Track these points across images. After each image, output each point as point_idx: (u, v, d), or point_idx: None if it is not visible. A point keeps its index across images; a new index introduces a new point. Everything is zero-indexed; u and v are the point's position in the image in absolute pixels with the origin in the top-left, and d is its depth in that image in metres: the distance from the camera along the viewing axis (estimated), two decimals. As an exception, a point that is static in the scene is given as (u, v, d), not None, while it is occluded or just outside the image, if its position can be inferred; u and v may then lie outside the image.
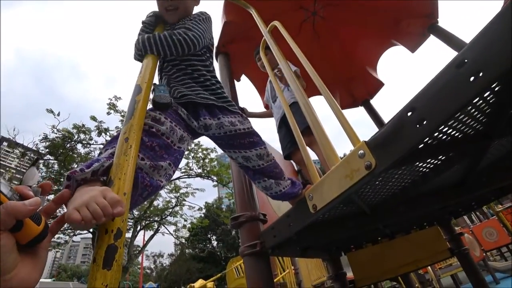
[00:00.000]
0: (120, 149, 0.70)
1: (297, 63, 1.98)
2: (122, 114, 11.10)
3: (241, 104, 2.15)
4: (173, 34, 1.08)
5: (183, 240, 17.73)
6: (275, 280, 6.05)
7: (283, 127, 2.32)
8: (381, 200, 1.07)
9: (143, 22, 1.24)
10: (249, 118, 2.48)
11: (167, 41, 1.06)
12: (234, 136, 1.07)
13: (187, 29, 1.11)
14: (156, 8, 1.29)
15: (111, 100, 11.22)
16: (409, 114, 0.55)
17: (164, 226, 15.20)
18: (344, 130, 0.77)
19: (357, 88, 3.27)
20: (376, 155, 0.61)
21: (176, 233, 15.54)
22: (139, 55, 1.08)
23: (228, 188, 13.73)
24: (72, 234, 12.19)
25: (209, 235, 34.40)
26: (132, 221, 13.73)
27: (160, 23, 1.27)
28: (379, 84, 3.24)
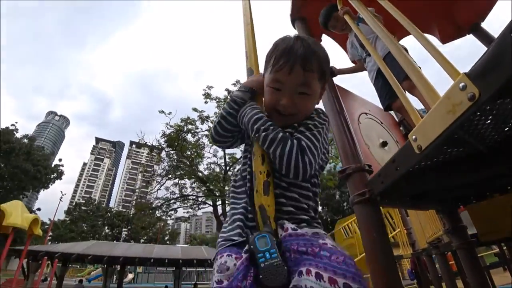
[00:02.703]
0: None
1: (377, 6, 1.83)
2: (217, 100, 12.33)
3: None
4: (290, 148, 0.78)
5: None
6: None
7: (379, 78, 2.30)
8: (503, 138, 0.92)
9: (232, 97, 0.98)
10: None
11: (278, 148, 0.78)
12: None
13: (309, 150, 0.79)
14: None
15: (205, 90, 12.56)
16: (514, 33, 0.53)
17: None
18: (440, 64, 0.75)
19: (461, 12, 2.65)
20: (479, 84, 0.60)
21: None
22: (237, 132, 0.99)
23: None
24: (196, 208, 14.61)
25: (313, 200, 35.47)
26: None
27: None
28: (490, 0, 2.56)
